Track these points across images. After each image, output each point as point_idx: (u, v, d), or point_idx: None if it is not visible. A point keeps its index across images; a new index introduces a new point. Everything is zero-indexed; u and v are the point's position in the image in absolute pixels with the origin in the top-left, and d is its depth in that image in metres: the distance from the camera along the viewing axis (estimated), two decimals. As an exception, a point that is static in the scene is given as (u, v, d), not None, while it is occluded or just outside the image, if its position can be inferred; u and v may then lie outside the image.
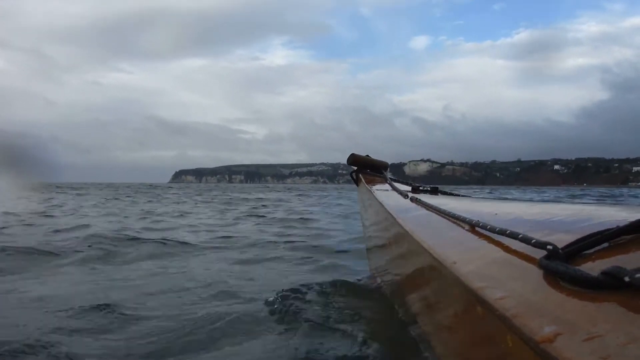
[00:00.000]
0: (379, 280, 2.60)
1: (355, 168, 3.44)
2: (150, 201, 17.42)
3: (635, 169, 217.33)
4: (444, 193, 2.56)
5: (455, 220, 1.31)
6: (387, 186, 2.75)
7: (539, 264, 0.74)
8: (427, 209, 1.66)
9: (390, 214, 1.92)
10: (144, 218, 9.14)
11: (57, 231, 6.33)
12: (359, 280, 2.98)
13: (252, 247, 4.97)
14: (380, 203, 2.23)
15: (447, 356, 1.13)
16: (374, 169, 3.40)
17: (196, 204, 15.93)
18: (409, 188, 2.58)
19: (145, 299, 2.70)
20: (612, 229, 0.75)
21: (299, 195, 26.93)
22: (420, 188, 2.57)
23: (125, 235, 5.71)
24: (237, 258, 4.28)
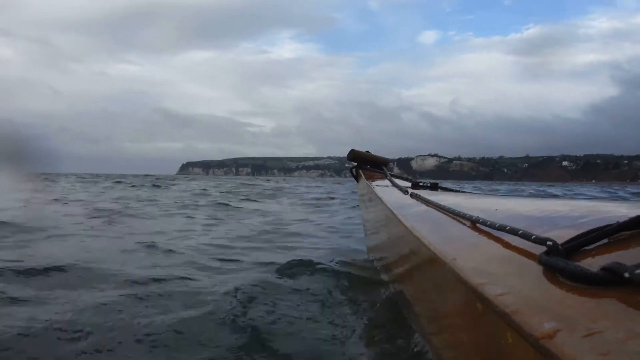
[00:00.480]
0: (378, 274, 2.60)
1: (355, 164, 3.44)
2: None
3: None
4: (444, 189, 2.55)
5: (455, 217, 1.31)
6: (387, 182, 2.75)
7: (539, 260, 0.74)
8: (427, 205, 1.66)
9: (390, 210, 1.91)
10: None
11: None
12: (359, 277, 2.99)
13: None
14: (380, 199, 2.23)
15: (447, 353, 1.13)
16: (374, 165, 3.40)
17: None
18: (408, 184, 2.58)
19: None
20: (612, 224, 0.75)
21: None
22: (420, 184, 2.56)
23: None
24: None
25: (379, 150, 3.57)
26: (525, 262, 0.81)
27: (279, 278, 2.79)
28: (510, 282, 0.77)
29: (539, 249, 0.77)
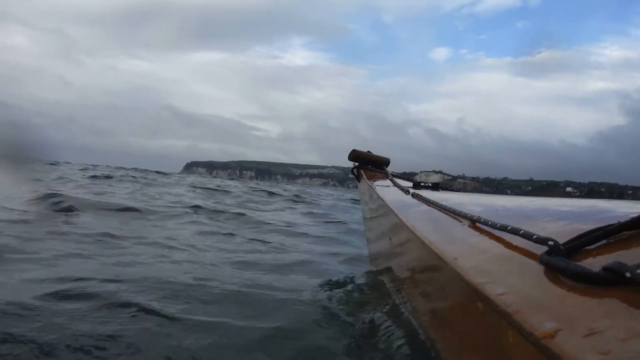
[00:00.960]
0: (379, 275, 2.60)
1: (357, 164, 3.44)
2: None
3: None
4: (445, 189, 2.55)
5: (456, 216, 1.31)
6: (388, 182, 2.75)
7: (540, 259, 0.74)
8: (428, 205, 1.65)
9: (392, 209, 1.92)
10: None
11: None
12: (359, 275, 2.98)
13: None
14: (382, 199, 2.23)
15: (448, 352, 1.13)
16: (375, 165, 3.40)
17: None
18: (410, 184, 2.58)
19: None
20: (613, 224, 0.75)
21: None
22: (422, 184, 2.56)
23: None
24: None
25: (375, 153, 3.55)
26: (527, 261, 0.81)
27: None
28: (511, 282, 0.77)
29: (540, 249, 0.77)
